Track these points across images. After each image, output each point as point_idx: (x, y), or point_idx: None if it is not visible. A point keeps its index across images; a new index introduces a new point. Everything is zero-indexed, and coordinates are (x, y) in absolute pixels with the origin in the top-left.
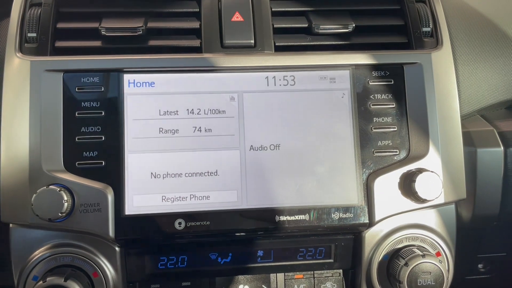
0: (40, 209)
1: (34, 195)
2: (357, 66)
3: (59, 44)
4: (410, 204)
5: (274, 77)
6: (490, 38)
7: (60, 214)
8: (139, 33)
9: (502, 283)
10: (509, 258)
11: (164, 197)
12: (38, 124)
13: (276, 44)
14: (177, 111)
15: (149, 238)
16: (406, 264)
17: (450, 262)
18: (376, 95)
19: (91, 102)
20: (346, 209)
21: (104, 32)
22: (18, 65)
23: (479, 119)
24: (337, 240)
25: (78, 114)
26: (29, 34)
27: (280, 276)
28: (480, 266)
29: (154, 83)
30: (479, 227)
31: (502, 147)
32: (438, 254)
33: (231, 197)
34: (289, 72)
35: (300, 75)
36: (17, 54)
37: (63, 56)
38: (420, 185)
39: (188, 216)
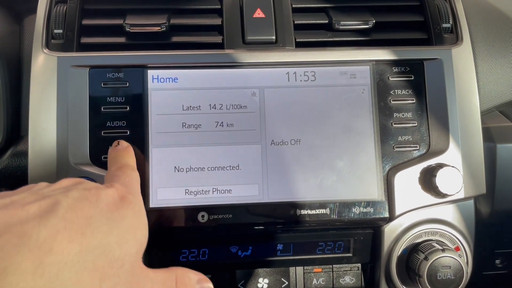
0: None
1: None
2: (377, 61)
3: (84, 40)
4: (430, 198)
5: (295, 72)
6: (509, 34)
7: None
8: (163, 29)
9: None
10: None
11: (187, 191)
12: (65, 118)
13: (297, 40)
14: (199, 106)
15: (173, 230)
16: (426, 258)
17: (469, 256)
18: (396, 90)
19: (116, 97)
20: (367, 203)
21: (128, 29)
22: (45, 61)
23: (498, 115)
24: (356, 234)
25: (103, 109)
26: (56, 31)
27: (299, 269)
28: (497, 261)
29: (177, 79)
30: (498, 222)
31: None
32: (457, 248)
33: (253, 191)
34: (309, 68)
35: (321, 70)
36: (44, 50)
37: (89, 52)
38: (441, 179)
39: (211, 209)
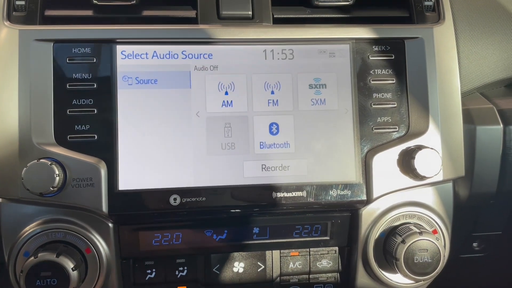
0: (31, 183)
1: (25, 168)
2: (357, 40)
3: (49, 12)
4: (408, 181)
5: (272, 50)
6: (491, 14)
7: (51, 189)
8: (132, 2)
9: (496, 261)
10: (504, 237)
11: (159, 172)
12: (27, 96)
13: (275, 16)
14: (170, 84)
15: (143, 214)
16: (403, 241)
17: (447, 239)
18: (376, 70)
19: (83, 74)
20: (344, 186)
21: (96, 1)
22: (6, 34)
23: (479, 97)
24: (334, 217)
25: (69, 86)
26: (17, 2)
27: (276, 253)
28: (474, 244)
29: (147, 55)
30: (476, 205)
31: (501, 125)
32: (434, 231)
33: (229, 173)
34: (287, 46)
35: (299, 48)
36: (5, 23)
37: (53, 25)
38: (420, 162)
39: (184, 191)
